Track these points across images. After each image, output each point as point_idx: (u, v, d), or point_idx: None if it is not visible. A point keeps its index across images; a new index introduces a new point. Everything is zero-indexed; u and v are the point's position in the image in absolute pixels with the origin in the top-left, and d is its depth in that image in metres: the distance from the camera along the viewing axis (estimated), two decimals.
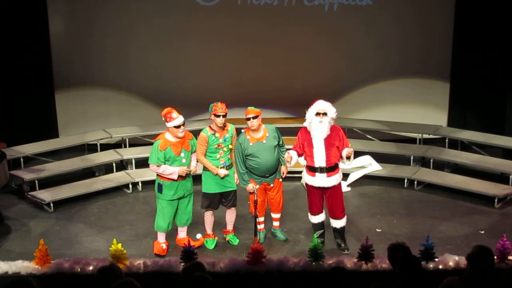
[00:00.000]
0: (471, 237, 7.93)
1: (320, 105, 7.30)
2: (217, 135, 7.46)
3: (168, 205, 7.49)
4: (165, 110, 7.37)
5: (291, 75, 10.96)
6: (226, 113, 7.44)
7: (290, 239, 7.97)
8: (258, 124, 7.50)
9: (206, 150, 7.49)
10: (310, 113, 7.31)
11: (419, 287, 4.93)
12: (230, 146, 7.54)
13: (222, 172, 7.51)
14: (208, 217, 7.79)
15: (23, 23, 10.30)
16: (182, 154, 7.36)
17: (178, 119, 7.29)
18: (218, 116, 7.39)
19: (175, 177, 7.33)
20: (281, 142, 7.66)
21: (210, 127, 7.53)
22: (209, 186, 7.61)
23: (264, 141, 7.53)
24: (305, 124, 7.41)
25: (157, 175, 7.46)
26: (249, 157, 7.51)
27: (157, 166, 7.31)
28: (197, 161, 7.62)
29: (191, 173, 7.56)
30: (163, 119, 7.34)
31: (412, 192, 9.48)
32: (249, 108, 7.51)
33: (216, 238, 7.87)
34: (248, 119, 7.45)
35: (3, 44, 10.22)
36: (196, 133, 7.69)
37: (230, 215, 7.87)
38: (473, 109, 10.94)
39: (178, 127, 7.28)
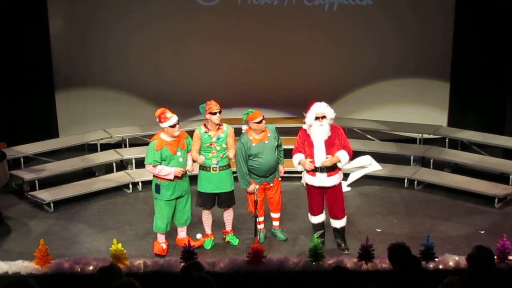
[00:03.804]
0: (471, 237, 7.93)
1: (318, 108, 7.26)
2: (210, 133, 7.45)
3: (166, 206, 7.48)
4: (159, 111, 7.37)
5: (291, 75, 10.96)
6: (221, 109, 7.45)
7: (290, 239, 7.97)
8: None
9: (200, 147, 7.49)
10: (309, 117, 7.28)
11: (419, 287, 4.94)
12: (224, 146, 7.52)
13: (200, 160, 7.43)
14: (205, 217, 7.78)
15: (23, 23, 10.30)
16: (179, 153, 7.35)
17: (173, 118, 7.28)
18: (215, 113, 7.39)
19: (172, 177, 7.31)
20: (279, 142, 7.67)
21: (204, 125, 7.53)
22: (202, 186, 7.61)
23: (266, 142, 7.55)
24: (305, 127, 7.40)
25: (154, 175, 7.46)
26: (251, 157, 7.51)
27: (154, 166, 7.31)
28: (193, 161, 7.60)
29: (188, 172, 7.55)
30: (157, 120, 7.34)
31: (412, 192, 9.48)
32: (255, 110, 7.50)
33: (212, 237, 7.86)
34: (260, 121, 7.44)
35: (3, 44, 10.22)
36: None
37: (227, 216, 7.86)
38: (473, 109, 10.94)
39: (173, 126, 7.28)
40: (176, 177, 7.35)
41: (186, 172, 7.51)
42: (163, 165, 7.29)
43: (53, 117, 11.03)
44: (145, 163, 7.42)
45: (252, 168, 7.56)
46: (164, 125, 7.28)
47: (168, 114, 7.29)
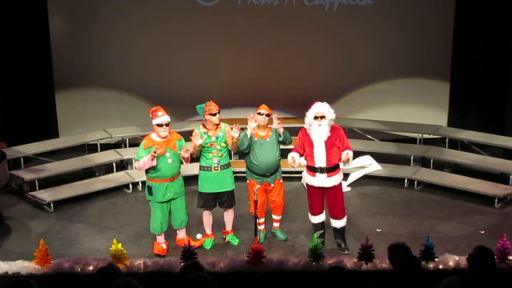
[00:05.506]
0: (471, 237, 7.93)
1: (318, 108, 7.27)
2: (209, 133, 7.46)
3: (158, 208, 7.47)
4: (153, 108, 7.41)
5: (291, 75, 10.96)
6: (220, 110, 7.49)
7: (290, 239, 7.97)
8: (265, 124, 7.57)
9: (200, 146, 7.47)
10: (309, 117, 7.29)
11: (419, 287, 4.94)
12: (223, 145, 7.53)
13: (198, 142, 7.34)
14: (206, 217, 7.78)
15: (23, 23, 10.30)
16: (168, 154, 7.32)
17: (162, 117, 7.28)
18: (214, 114, 7.42)
19: (154, 163, 7.19)
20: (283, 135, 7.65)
21: (203, 125, 7.55)
22: (203, 186, 7.61)
23: (268, 139, 7.59)
24: (304, 126, 7.41)
25: (146, 177, 7.44)
26: (251, 150, 7.53)
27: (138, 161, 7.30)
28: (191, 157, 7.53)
29: (183, 157, 7.36)
30: (150, 116, 7.35)
31: (412, 192, 9.48)
32: (264, 105, 7.60)
33: (212, 237, 7.85)
34: (261, 114, 7.50)
35: (3, 44, 10.22)
36: None
37: (228, 216, 7.86)
38: (473, 109, 10.93)
39: (160, 125, 7.28)
40: (166, 170, 7.25)
41: (179, 174, 7.50)
42: (143, 158, 7.22)
43: (53, 117, 11.04)
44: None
45: (251, 165, 7.58)
46: (153, 122, 7.30)
47: (160, 112, 7.30)
